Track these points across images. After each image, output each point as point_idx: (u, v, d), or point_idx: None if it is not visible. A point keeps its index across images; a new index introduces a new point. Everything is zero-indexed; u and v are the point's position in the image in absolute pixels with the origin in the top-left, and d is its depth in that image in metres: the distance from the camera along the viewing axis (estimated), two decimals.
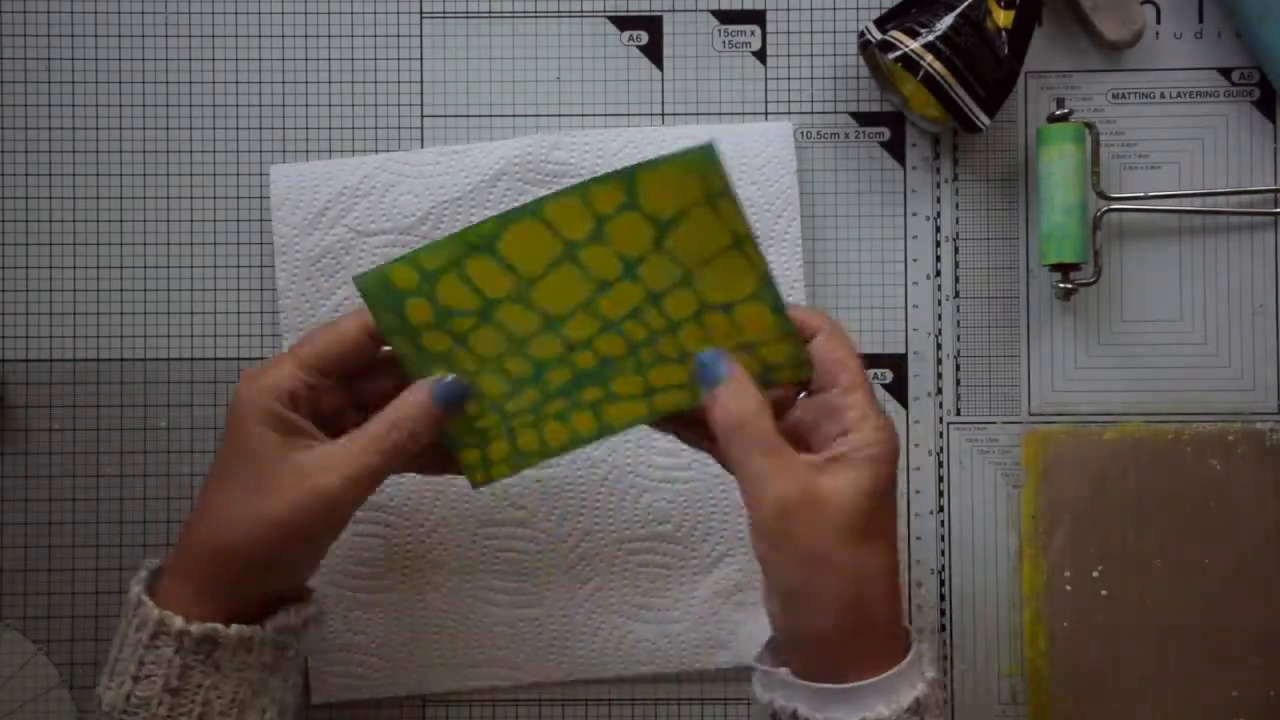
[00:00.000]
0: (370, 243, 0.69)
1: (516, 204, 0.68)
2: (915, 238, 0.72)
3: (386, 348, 0.58)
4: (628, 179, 0.51)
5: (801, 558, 0.51)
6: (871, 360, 0.71)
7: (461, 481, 0.61)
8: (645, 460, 0.70)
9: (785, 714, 0.53)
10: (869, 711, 0.51)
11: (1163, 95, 0.72)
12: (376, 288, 0.56)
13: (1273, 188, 0.71)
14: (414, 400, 0.56)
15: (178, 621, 0.54)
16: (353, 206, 0.69)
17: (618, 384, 0.57)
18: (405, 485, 0.69)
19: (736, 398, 0.53)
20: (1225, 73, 0.72)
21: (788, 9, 0.72)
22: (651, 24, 0.72)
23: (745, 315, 0.54)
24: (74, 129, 0.71)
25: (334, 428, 0.57)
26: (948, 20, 0.66)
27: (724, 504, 0.70)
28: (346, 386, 0.59)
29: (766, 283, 0.53)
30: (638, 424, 0.58)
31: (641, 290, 0.54)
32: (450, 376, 0.57)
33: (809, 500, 0.51)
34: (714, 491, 0.70)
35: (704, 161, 0.50)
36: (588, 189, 0.52)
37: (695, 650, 0.69)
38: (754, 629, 0.69)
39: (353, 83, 0.71)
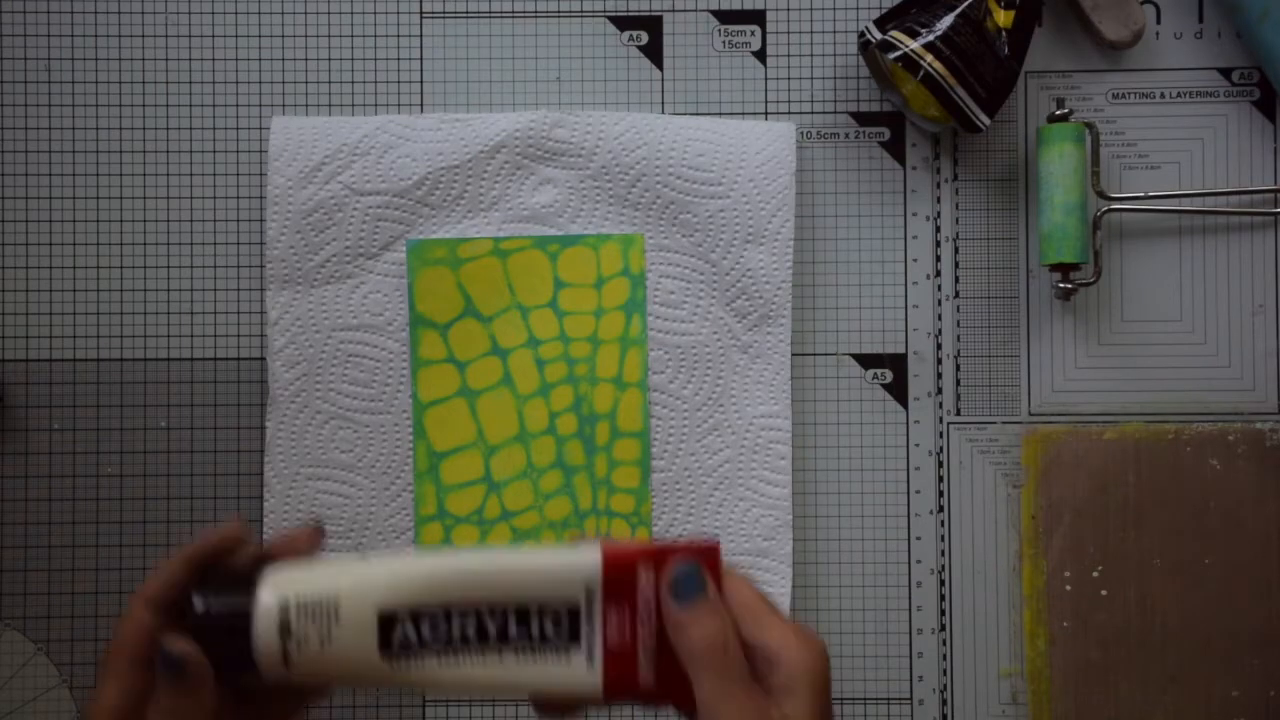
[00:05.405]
0: (364, 202, 0.69)
1: (514, 178, 0.68)
2: (915, 238, 0.72)
3: None
4: None
5: None
6: (871, 360, 0.71)
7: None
8: None
9: None
10: None
11: (1163, 95, 0.72)
12: None
13: (1273, 188, 0.71)
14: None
15: None
16: (350, 164, 0.69)
17: None
18: (374, 448, 0.69)
19: (716, 617, 0.45)
20: (1225, 73, 0.72)
21: (788, 9, 0.72)
22: (651, 24, 0.72)
23: None
24: (74, 129, 0.71)
25: None
26: (948, 20, 0.66)
27: (690, 497, 0.70)
28: None
29: None
30: None
31: None
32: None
33: None
34: (682, 483, 0.70)
35: None
36: None
37: None
38: None
39: (353, 83, 0.71)
